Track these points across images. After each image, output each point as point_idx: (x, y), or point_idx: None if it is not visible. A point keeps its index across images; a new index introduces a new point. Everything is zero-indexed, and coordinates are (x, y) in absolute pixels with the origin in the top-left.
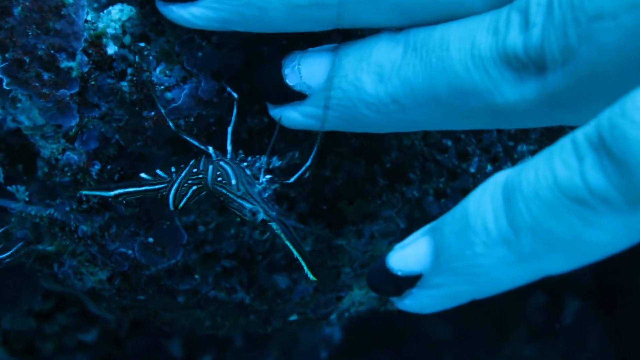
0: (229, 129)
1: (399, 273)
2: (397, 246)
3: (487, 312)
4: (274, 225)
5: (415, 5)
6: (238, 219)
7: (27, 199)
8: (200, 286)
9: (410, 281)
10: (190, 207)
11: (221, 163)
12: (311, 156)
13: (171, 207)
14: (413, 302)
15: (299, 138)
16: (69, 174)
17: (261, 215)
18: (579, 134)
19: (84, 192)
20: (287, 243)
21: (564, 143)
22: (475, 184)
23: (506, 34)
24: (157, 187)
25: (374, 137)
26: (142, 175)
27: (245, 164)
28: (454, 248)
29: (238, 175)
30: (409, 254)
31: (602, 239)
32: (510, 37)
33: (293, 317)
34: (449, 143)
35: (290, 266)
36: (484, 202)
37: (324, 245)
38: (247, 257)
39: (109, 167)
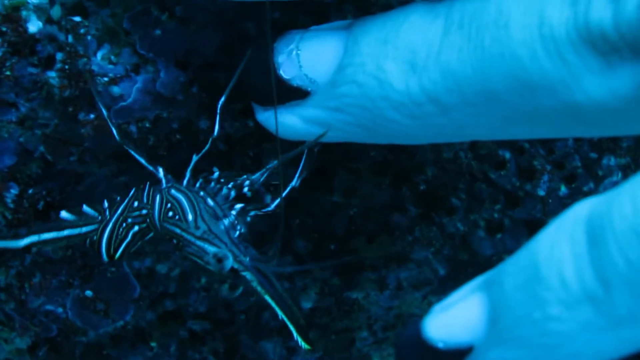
0: (194, 157)
1: (441, 345)
2: (438, 307)
3: None
4: (247, 275)
5: None
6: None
7: None
8: (158, 358)
9: (457, 356)
10: (140, 249)
11: (173, 192)
12: (298, 171)
13: (104, 258)
14: None
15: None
16: None
17: (230, 262)
18: None
19: None
20: (268, 299)
21: None
22: (545, 213)
23: (589, 5)
24: (84, 230)
25: (402, 148)
26: (63, 214)
27: (210, 189)
28: (518, 310)
29: (197, 208)
30: (454, 318)
31: None
32: (594, 9)
33: None
34: (507, 155)
35: (285, 329)
36: (560, 244)
37: (332, 300)
38: (224, 317)
39: (30, 191)
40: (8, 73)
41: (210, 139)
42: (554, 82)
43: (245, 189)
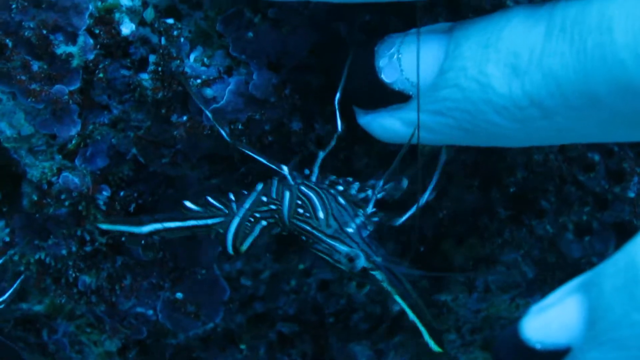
0: (320, 156)
1: (538, 346)
2: (535, 308)
3: None
4: (378, 275)
5: None
6: (303, 265)
7: (7, 239)
8: None
9: (555, 357)
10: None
11: (302, 188)
12: (432, 183)
13: (230, 251)
14: None
15: (390, 153)
16: (66, 203)
17: (362, 262)
18: None
19: (102, 226)
20: (399, 299)
21: None
22: (635, 216)
23: None
24: (210, 221)
25: (492, 151)
26: (187, 204)
27: (340, 188)
28: (617, 311)
29: (328, 206)
30: (552, 320)
31: None
32: None
33: None
34: (597, 158)
35: (374, 332)
36: None
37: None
38: (313, 320)
39: (122, 193)
40: (101, 75)
41: (335, 136)
42: None
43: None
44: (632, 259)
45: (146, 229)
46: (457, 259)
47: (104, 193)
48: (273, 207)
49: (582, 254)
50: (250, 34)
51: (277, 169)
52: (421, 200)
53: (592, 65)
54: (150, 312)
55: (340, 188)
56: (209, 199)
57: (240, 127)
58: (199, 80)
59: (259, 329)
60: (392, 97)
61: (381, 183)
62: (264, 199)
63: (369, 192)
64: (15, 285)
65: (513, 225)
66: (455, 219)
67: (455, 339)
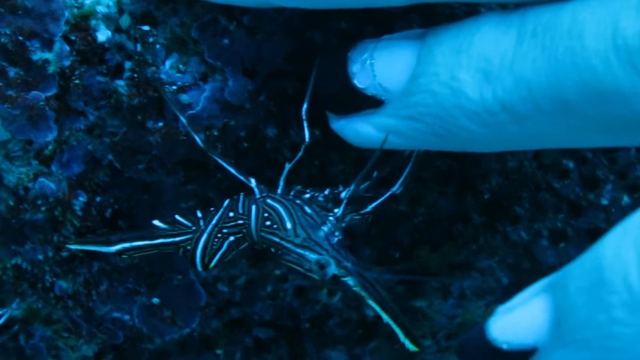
0: (286, 167)
1: (505, 347)
2: (502, 309)
3: None
4: (350, 280)
5: None
6: (279, 272)
7: None
8: None
9: (521, 358)
10: (235, 259)
11: (269, 201)
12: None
13: (198, 268)
14: None
15: (366, 160)
16: (43, 208)
17: (332, 269)
18: None
19: (72, 247)
20: (372, 303)
21: None
22: (608, 223)
23: None
24: (177, 239)
25: (467, 157)
26: (156, 222)
27: (304, 199)
28: (582, 312)
29: (294, 216)
30: (518, 321)
31: None
32: None
33: None
34: (571, 165)
35: (351, 337)
36: (626, 248)
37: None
38: (290, 325)
39: (98, 199)
40: (77, 82)
41: (303, 146)
42: (627, 92)
43: (344, 195)
44: (598, 261)
45: (114, 248)
46: (432, 266)
47: (80, 199)
48: (240, 221)
49: (557, 260)
50: (226, 41)
51: (246, 181)
52: (389, 191)
53: (564, 70)
54: (127, 317)
55: (307, 197)
56: (177, 217)
57: (215, 133)
58: (174, 87)
59: (235, 334)
60: (365, 102)
61: (353, 186)
62: (231, 214)
63: (342, 194)
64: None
65: (487, 232)
66: (430, 225)
67: (430, 345)
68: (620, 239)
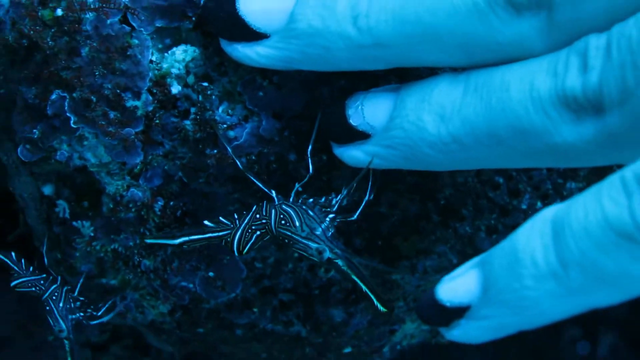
0: (297, 185)
1: (448, 304)
2: (446, 278)
3: (522, 345)
4: (339, 262)
5: (478, 46)
6: (296, 255)
7: (92, 234)
8: (258, 320)
9: (459, 312)
10: (260, 247)
11: (283, 207)
12: (368, 191)
13: (235, 254)
14: (461, 333)
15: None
16: (133, 210)
17: (327, 254)
18: (628, 172)
19: (148, 241)
20: (355, 279)
21: (613, 180)
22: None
23: (565, 77)
24: (221, 234)
25: (429, 174)
26: (206, 222)
27: (309, 205)
28: (502, 281)
29: (301, 217)
30: (458, 286)
31: None
32: (569, 80)
33: (347, 350)
34: (501, 180)
35: (346, 300)
36: (533, 237)
37: (379, 280)
38: (304, 292)
39: (172, 203)
40: (157, 121)
41: (308, 176)
42: (540, 130)
43: (334, 203)
44: (514, 245)
45: (177, 241)
46: (404, 250)
47: (159, 203)
48: (264, 221)
49: (491, 247)
50: (261, 93)
51: (268, 192)
52: (363, 202)
53: (496, 114)
54: (191, 285)
55: (310, 202)
56: (220, 218)
57: (253, 157)
58: (225, 125)
59: (266, 298)
60: (357, 136)
61: (341, 195)
62: (258, 216)
63: (334, 201)
64: (107, 305)
65: (442, 227)
66: (403, 222)
67: (402, 306)
68: (530, 230)
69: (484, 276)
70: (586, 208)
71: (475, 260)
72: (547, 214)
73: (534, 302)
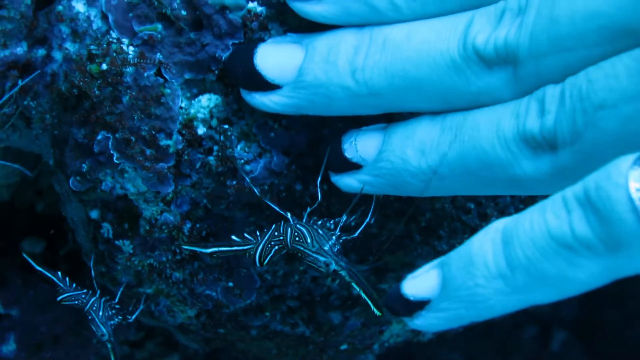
0: (308, 209)
1: (411, 298)
2: (411, 275)
3: (491, 341)
4: (343, 273)
5: (455, 95)
6: (302, 267)
7: (131, 251)
8: (269, 322)
9: (421, 305)
10: (277, 260)
11: (298, 226)
12: (369, 215)
13: (257, 265)
14: (422, 322)
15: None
16: (165, 231)
17: (333, 266)
18: (569, 192)
19: (185, 247)
20: (356, 287)
21: (555, 199)
22: None
23: (526, 119)
24: (245, 247)
25: (412, 200)
26: (233, 237)
27: (318, 225)
28: (458, 280)
29: (312, 235)
30: (420, 283)
31: (583, 277)
32: (529, 122)
33: (344, 347)
34: (472, 206)
35: (343, 306)
36: (485, 244)
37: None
38: (308, 299)
39: (197, 225)
40: (186, 157)
41: (317, 203)
42: (505, 163)
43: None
44: (469, 250)
45: (209, 250)
46: (391, 264)
47: (187, 225)
48: (281, 238)
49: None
50: (272, 134)
51: (284, 214)
52: (364, 223)
53: (467, 150)
54: (214, 293)
55: (319, 223)
56: (245, 234)
57: (266, 187)
58: (242, 161)
59: (276, 304)
60: (351, 166)
61: (344, 218)
62: (276, 233)
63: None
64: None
65: (423, 245)
66: (391, 240)
67: None
68: (483, 238)
69: (443, 275)
70: (532, 221)
71: (436, 261)
72: (499, 225)
73: (484, 298)
